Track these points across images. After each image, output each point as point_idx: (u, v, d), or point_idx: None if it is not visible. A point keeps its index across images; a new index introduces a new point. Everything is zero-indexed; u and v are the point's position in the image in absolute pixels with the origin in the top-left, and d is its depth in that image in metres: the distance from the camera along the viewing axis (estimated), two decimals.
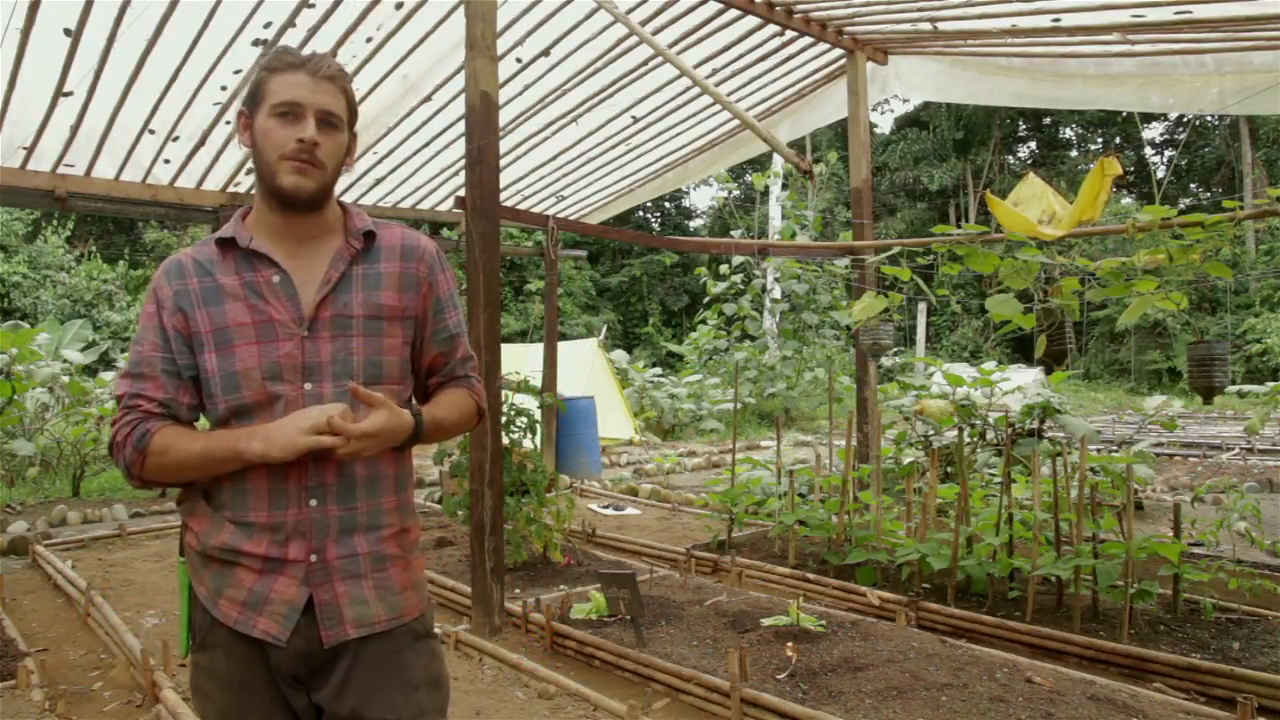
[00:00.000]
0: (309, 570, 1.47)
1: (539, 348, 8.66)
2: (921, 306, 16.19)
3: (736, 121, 7.19)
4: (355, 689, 1.48)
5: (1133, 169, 28.57)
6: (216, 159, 6.54)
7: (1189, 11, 4.78)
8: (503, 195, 7.00)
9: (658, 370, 16.22)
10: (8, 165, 6.02)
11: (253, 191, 6.57)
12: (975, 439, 5.19)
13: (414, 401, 1.66)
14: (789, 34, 6.43)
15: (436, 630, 1.65)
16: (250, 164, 7.25)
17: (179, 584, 1.57)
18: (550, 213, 8.63)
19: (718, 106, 6.78)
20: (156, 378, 1.49)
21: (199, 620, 1.52)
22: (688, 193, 31.99)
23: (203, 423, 1.56)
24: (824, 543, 5.18)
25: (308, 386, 1.48)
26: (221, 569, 1.48)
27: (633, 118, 7.26)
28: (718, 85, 6.74)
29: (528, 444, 5.35)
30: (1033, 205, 3.80)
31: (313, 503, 1.48)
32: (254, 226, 1.55)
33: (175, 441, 1.46)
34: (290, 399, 1.47)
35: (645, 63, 6.42)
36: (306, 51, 1.53)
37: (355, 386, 1.44)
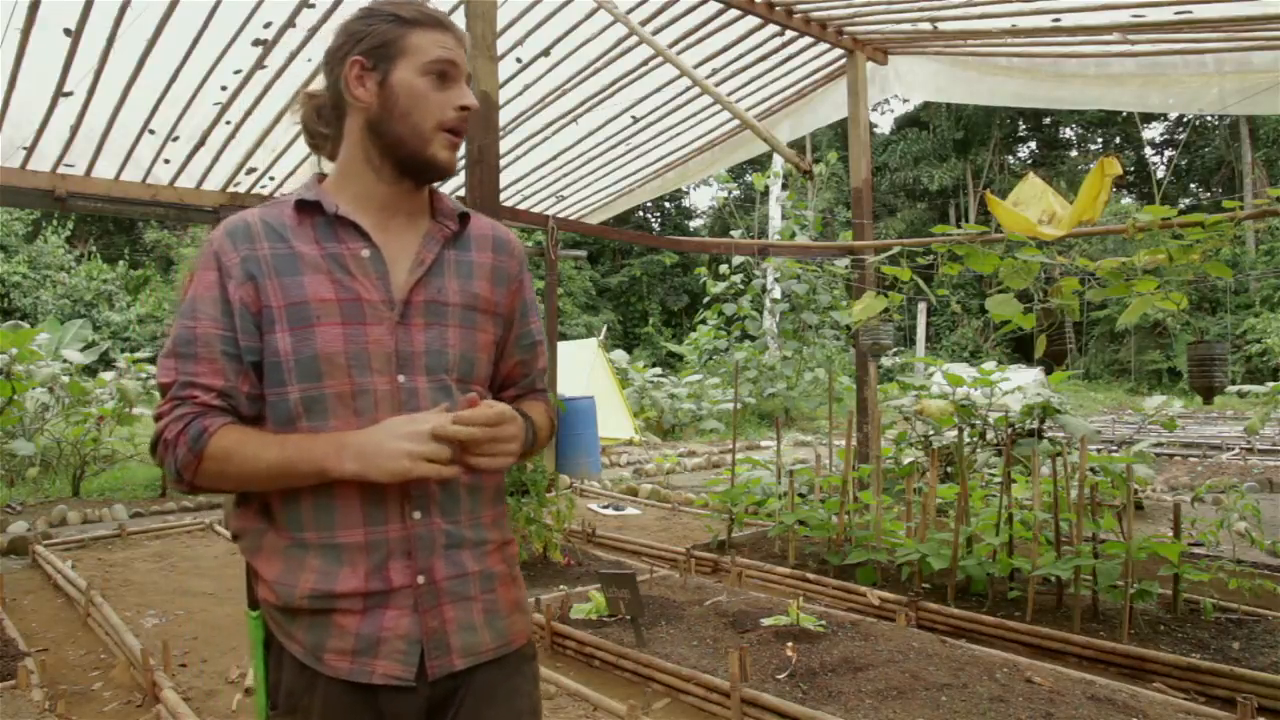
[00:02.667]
0: (417, 595, 1.27)
1: None
2: (921, 306, 16.19)
3: (736, 121, 7.19)
4: None
5: (1133, 169, 28.60)
6: (216, 159, 6.54)
7: (1189, 11, 4.78)
8: (503, 195, 7.00)
9: (658, 370, 16.22)
10: (8, 165, 6.02)
11: (253, 192, 6.52)
12: (975, 439, 5.19)
13: None
14: (789, 34, 6.44)
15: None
16: (250, 163, 7.19)
17: (251, 640, 1.35)
18: (550, 213, 8.63)
19: (718, 106, 6.79)
20: (214, 360, 1.24)
21: (288, 680, 1.29)
22: (688, 193, 32.05)
23: None
24: (824, 543, 5.18)
25: (401, 379, 1.27)
26: (314, 619, 1.25)
27: (633, 118, 7.26)
28: (718, 85, 6.74)
29: None
30: (1033, 205, 3.80)
31: (416, 515, 1.27)
32: (337, 193, 1.34)
33: (241, 447, 1.22)
34: (380, 393, 1.26)
35: (645, 63, 6.42)
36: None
37: (477, 395, 1.26)
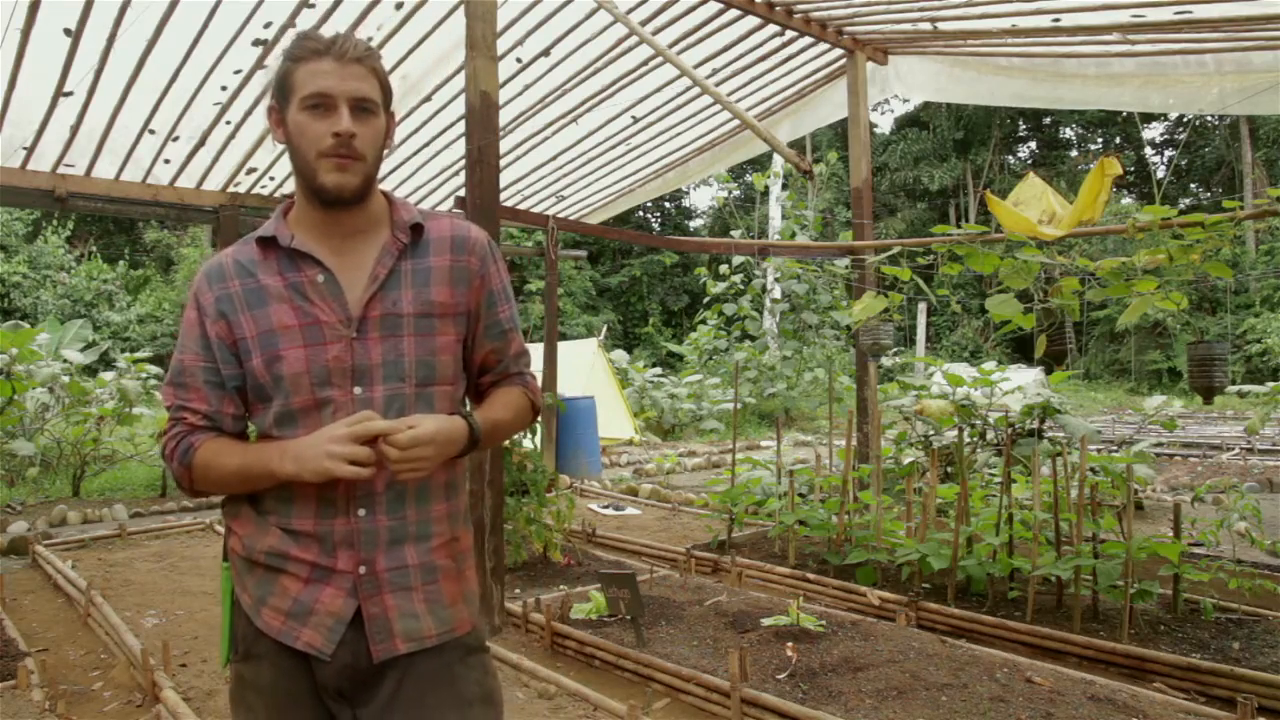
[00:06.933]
0: (357, 582, 1.41)
1: (539, 348, 8.66)
2: (921, 306, 16.20)
3: (737, 121, 7.19)
4: (404, 706, 1.42)
5: (1133, 169, 28.60)
6: (216, 159, 6.54)
7: (1189, 11, 4.78)
8: (503, 195, 7.00)
9: (658, 370, 16.23)
10: (8, 165, 6.02)
11: (253, 191, 6.54)
12: (975, 439, 5.20)
13: (467, 403, 1.60)
14: (789, 34, 6.43)
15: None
16: (250, 163, 7.20)
17: (221, 590, 1.52)
18: (550, 213, 8.63)
19: (718, 106, 6.79)
20: (199, 389, 1.45)
21: (242, 629, 1.46)
22: (688, 193, 32.04)
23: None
24: (824, 543, 5.18)
25: (357, 390, 1.42)
26: (266, 575, 1.43)
27: (633, 118, 7.25)
28: (718, 85, 6.74)
29: (528, 444, 5.35)
30: (1033, 205, 3.80)
31: (361, 512, 1.41)
32: (296, 224, 1.47)
33: (216, 458, 1.42)
34: (339, 404, 1.41)
35: (645, 63, 6.42)
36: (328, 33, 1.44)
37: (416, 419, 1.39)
